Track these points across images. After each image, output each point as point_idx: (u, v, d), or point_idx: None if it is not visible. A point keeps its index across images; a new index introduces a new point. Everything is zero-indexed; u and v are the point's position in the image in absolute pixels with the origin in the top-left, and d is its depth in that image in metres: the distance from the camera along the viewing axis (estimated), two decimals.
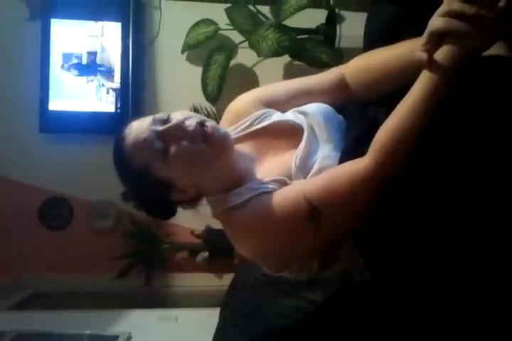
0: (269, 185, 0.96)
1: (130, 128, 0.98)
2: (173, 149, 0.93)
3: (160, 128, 0.94)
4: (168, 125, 0.94)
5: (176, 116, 0.96)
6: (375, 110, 1.01)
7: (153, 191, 1.00)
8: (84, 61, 2.54)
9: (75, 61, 2.55)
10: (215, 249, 2.41)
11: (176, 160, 0.94)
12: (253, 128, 1.08)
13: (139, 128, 0.96)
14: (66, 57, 2.52)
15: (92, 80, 2.55)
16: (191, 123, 0.95)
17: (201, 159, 0.95)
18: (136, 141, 0.95)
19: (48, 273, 2.45)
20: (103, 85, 2.55)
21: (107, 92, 2.55)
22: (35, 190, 2.53)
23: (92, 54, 2.54)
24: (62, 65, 2.54)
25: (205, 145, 0.94)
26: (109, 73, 2.54)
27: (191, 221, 2.45)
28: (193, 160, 0.95)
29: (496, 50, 0.83)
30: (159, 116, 0.97)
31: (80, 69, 2.54)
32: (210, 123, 0.96)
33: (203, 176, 0.99)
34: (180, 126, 0.94)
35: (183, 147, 0.93)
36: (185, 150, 0.93)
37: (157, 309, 2.16)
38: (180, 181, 0.98)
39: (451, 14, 0.74)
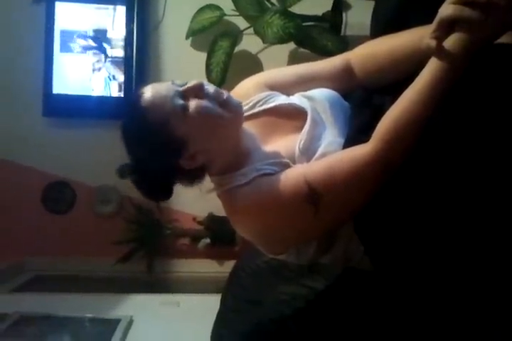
0: (272, 167, 0.96)
1: (148, 87, 0.98)
2: (192, 105, 0.94)
3: (181, 88, 0.96)
4: (190, 84, 0.96)
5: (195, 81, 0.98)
6: (381, 97, 1.01)
7: (163, 153, 0.97)
8: (90, 33, 2.48)
9: (79, 41, 2.47)
10: (217, 236, 2.42)
11: (195, 117, 0.94)
12: (257, 110, 1.08)
13: (157, 86, 0.98)
14: (68, 34, 2.47)
15: (99, 69, 2.48)
16: (212, 88, 0.98)
17: (218, 121, 0.95)
18: (156, 96, 0.96)
19: (50, 256, 2.46)
20: (114, 78, 2.48)
21: (119, 90, 2.48)
22: (38, 173, 2.53)
23: (100, 32, 2.49)
24: (63, 44, 2.45)
25: (222, 109, 0.95)
26: (120, 62, 2.47)
27: (194, 207, 2.46)
28: (210, 120, 0.95)
29: (505, 38, 0.82)
30: (177, 81, 0.99)
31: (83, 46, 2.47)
32: (225, 91, 0.98)
33: (215, 143, 0.98)
34: (202, 87, 0.96)
35: (203, 105, 0.95)
36: (205, 108, 0.94)
37: (159, 294, 2.18)
38: (193, 143, 0.96)
39: (462, 1, 0.73)
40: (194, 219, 2.47)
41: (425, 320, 0.90)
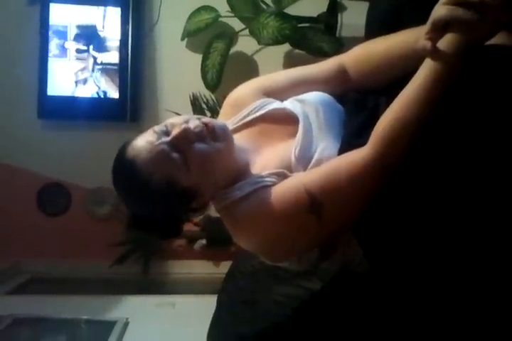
0: (270, 179, 0.95)
1: (135, 149, 0.93)
2: (190, 155, 0.91)
3: (169, 138, 0.92)
4: (177, 132, 0.91)
5: (176, 123, 0.93)
6: (376, 99, 1.01)
7: (173, 207, 0.98)
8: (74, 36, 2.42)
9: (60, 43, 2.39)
10: (213, 237, 2.42)
11: (198, 164, 0.92)
12: (250, 117, 1.07)
13: (146, 146, 0.92)
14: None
15: (84, 81, 2.39)
16: (195, 124, 0.93)
17: (219, 156, 0.94)
18: (152, 158, 0.91)
19: (45, 258, 2.45)
20: (105, 94, 2.41)
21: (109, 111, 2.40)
22: (34, 176, 2.52)
23: (89, 35, 2.46)
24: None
25: (215, 142, 0.92)
26: (113, 70, 2.42)
27: None
28: (212, 159, 0.93)
29: (498, 39, 0.82)
30: (159, 128, 0.94)
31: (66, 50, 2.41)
32: (207, 119, 0.95)
33: (218, 175, 0.97)
34: (188, 131, 0.91)
35: (199, 150, 0.91)
36: (203, 152, 0.92)
37: (155, 295, 2.18)
38: (200, 186, 0.95)
39: (455, 2, 0.73)
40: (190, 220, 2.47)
41: (421, 322, 0.90)
